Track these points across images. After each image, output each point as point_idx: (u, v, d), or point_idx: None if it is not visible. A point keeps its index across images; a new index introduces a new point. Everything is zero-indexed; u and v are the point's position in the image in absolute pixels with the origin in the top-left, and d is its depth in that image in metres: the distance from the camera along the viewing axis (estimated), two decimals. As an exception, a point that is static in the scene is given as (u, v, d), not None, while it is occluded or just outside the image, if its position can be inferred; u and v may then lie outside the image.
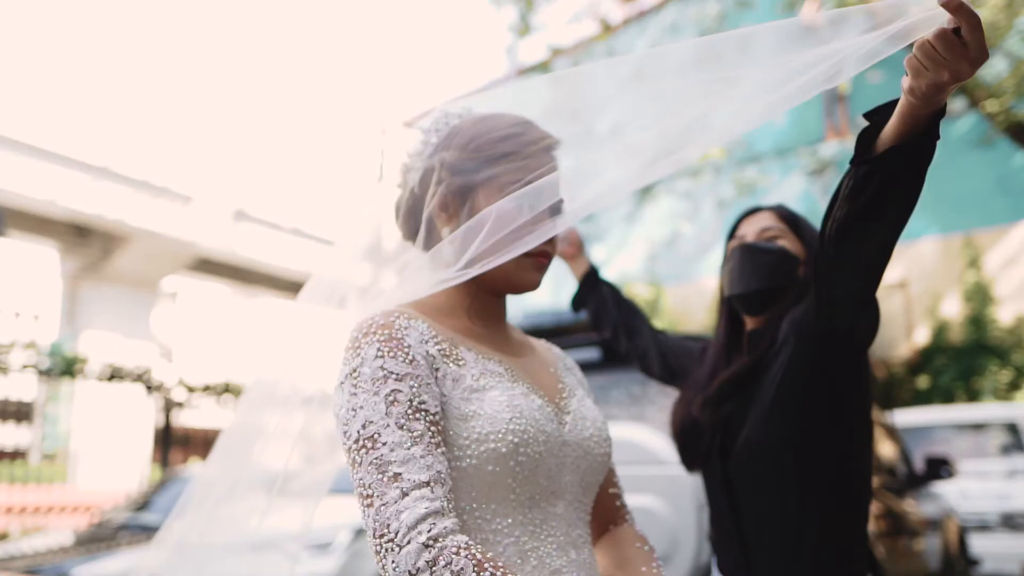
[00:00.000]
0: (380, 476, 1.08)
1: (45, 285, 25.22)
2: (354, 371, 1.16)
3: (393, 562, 1.03)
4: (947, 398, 11.57)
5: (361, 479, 1.10)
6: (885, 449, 5.12)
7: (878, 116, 1.34)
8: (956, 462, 6.10)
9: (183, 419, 12.70)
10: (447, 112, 1.40)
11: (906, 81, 1.20)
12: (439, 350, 1.22)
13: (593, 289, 2.41)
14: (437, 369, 1.20)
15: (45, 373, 11.42)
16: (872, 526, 3.70)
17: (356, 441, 1.12)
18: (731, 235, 2.12)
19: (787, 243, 2.01)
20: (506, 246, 1.26)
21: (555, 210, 1.32)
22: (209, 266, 24.54)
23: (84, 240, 22.96)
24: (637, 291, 13.84)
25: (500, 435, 1.17)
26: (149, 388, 11.62)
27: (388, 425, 1.11)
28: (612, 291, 2.41)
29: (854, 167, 1.40)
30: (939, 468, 5.60)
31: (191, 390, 12.02)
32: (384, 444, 1.10)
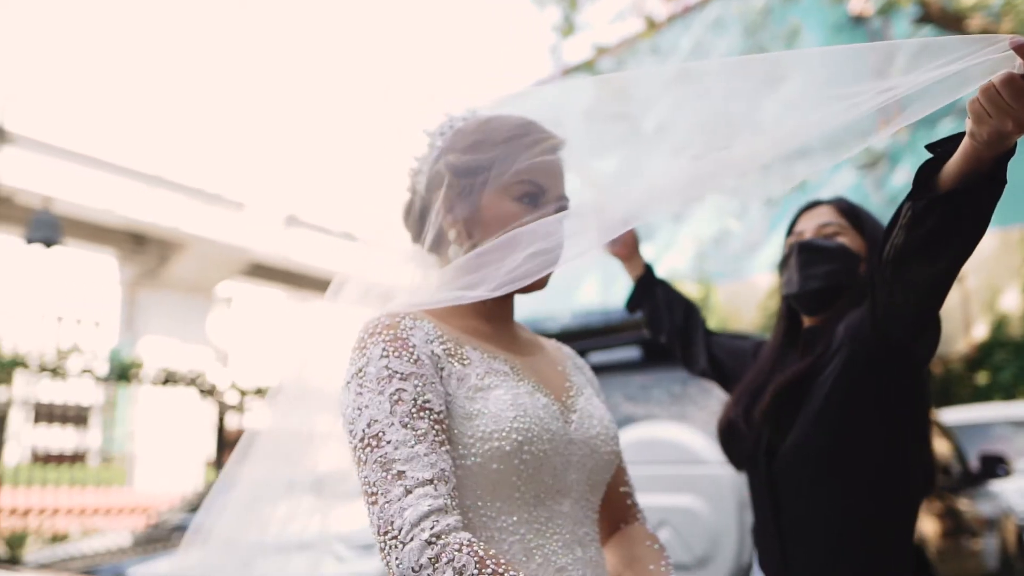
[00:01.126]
0: (384, 474, 1.09)
1: (105, 292, 25.77)
2: (360, 371, 1.18)
3: (397, 559, 1.05)
4: (1008, 394, 11.28)
5: (366, 477, 1.11)
6: (939, 447, 5.03)
7: (941, 148, 1.26)
8: (1014, 460, 5.95)
9: (237, 422, 12.89)
10: (452, 116, 1.41)
11: (969, 123, 1.12)
12: (444, 349, 1.23)
13: (648, 292, 2.35)
14: (442, 368, 1.21)
15: (103, 378, 11.67)
16: (926, 526, 3.64)
17: (361, 440, 1.13)
18: (790, 231, 2.07)
19: (847, 239, 1.95)
20: (540, 259, 1.25)
21: (560, 210, 1.33)
22: (262, 271, 24.85)
23: (141, 247, 23.42)
24: (686, 289, 13.73)
25: (504, 433, 1.17)
26: (202, 392, 11.80)
27: (392, 424, 1.12)
28: (667, 293, 2.34)
29: (912, 201, 1.34)
30: (995, 466, 5.47)
31: (243, 393, 12.18)
32: (388, 443, 1.11)
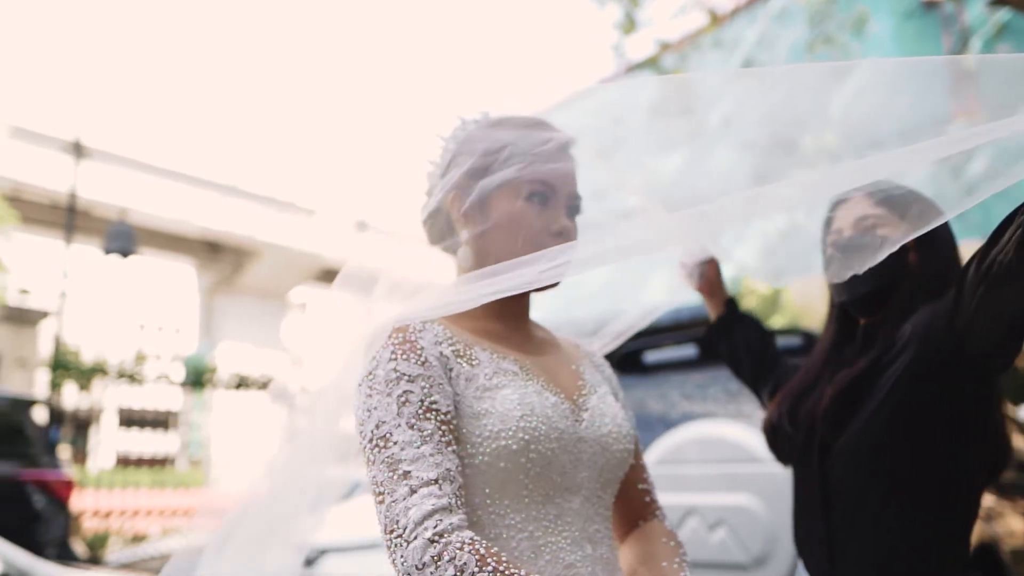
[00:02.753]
0: (391, 474, 1.11)
1: (184, 300, 26.43)
2: (370, 373, 1.21)
3: (402, 557, 1.07)
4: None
5: (374, 477, 1.13)
6: (1016, 443, 4.86)
7: None
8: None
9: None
10: (464, 119, 1.42)
11: None
12: (453, 351, 1.25)
13: (727, 332, 2.25)
14: (451, 369, 1.23)
15: (180, 383, 12.01)
16: (1014, 525, 3.53)
17: (370, 440, 1.16)
18: (827, 228, 1.96)
19: (889, 231, 1.81)
20: (554, 271, 1.25)
21: (571, 209, 1.34)
22: (334, 276, 25.20)
23: (217, 256, 24.01)
24: (755, 287, 13.50)
25: (511, 432, 1.18)
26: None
27: (399, 425, 1.14)
28: (746, 334, 2.23)
29: None
30: None
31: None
32: (395, 443, 1.13)
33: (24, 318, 12.37)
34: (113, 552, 10.10)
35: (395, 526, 1.08)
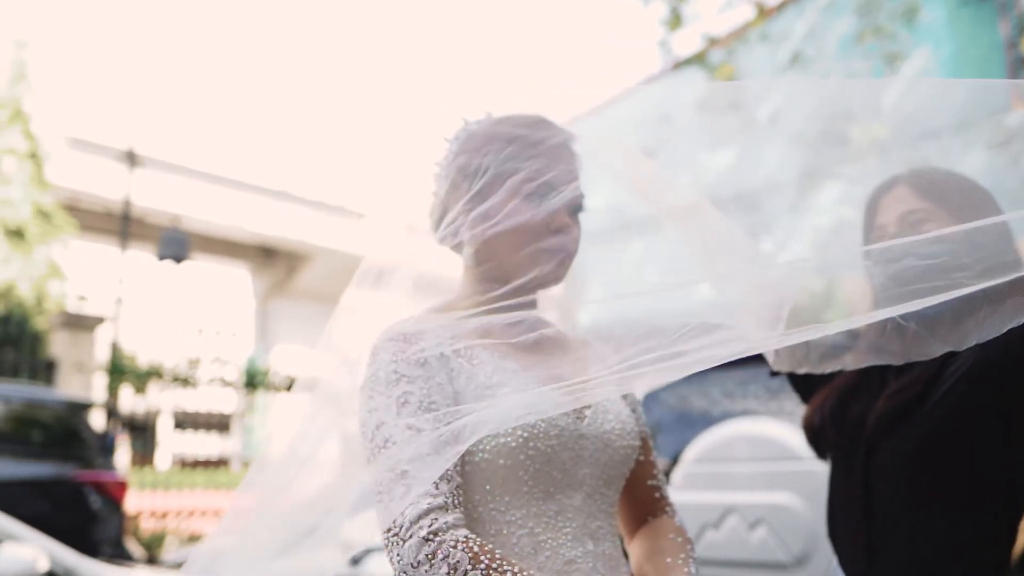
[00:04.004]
0: (389, 473, 1.13)
1: (239, 304, 26.85)
2: (372, 375, 1.24)
3: (398, 555, 1.09)
4: None
5: (375, 476, 1.15)
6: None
7: None
8: None
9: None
10: (467, 119, 1.42)
11: None
12: (454, 350, 1.26)
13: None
14: (452, 368, 1.24)
15: (232, 385, 12.20)
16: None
17: (371, 440, 1.18)
18: (869, 220, 1.85)
19: (937, 224, 1.69)
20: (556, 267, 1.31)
21: (572, 206, 1.34)
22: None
23: (271, 260, 24.37)
24: (807, 283, 13.28)
25: (510, 429, 1.20)
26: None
27: (399, 425, 1.16)
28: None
29: None
30: None
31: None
32: (395, 443, 1.15)
33: (81, 324, 12.66)
34: (169, 552, 10.31)
35: (392, 524, 1.10)
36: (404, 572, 1.09)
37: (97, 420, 12.06)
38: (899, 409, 1.73)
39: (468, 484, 1.21)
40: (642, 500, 1.46)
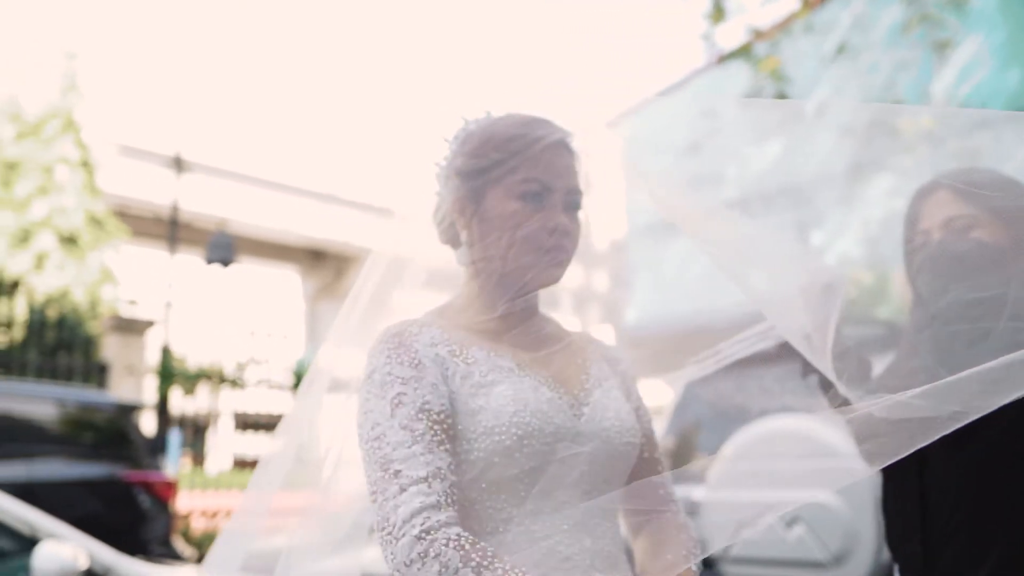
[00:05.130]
0: (383, 473, 1.16)
1: (289, 307, 27.14)
2: (368, 377, 1.26)
3: (392, 553, 1.11)
4: None
5: (370, 476, 1.18)
6: None
7: None
8: None
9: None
10: (466, 119, 1.42)
11: None
12: (449, 351, 1.28)
13: None
14: (447, 369, 1.26)
15: (289, 387, 12.34)
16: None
17: (367, 441, 1.21)
18: (911, 225, 1.76)
19: (984, 232, 1.62)
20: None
21: (570, 205, 1.34)
22: (432, 278, 25.60)
23: (319, 262, 24.63)
24: (859, 277, 13.08)
25: (504, 428, 1.21)
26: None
27: (392, 426, 1.18)
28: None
29: None
30: None
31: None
32: (388, 443, 1.17)
33: (132, 327, 12.90)
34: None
35: (386, 523, 1.12)
36: (397, 571, 1.10)
37: (148, 422, 12.29)
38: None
39: (465, 483, 1.22)
40: (648, 497, 1.45)
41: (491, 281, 1.35)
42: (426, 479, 1.14)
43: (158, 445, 11.50)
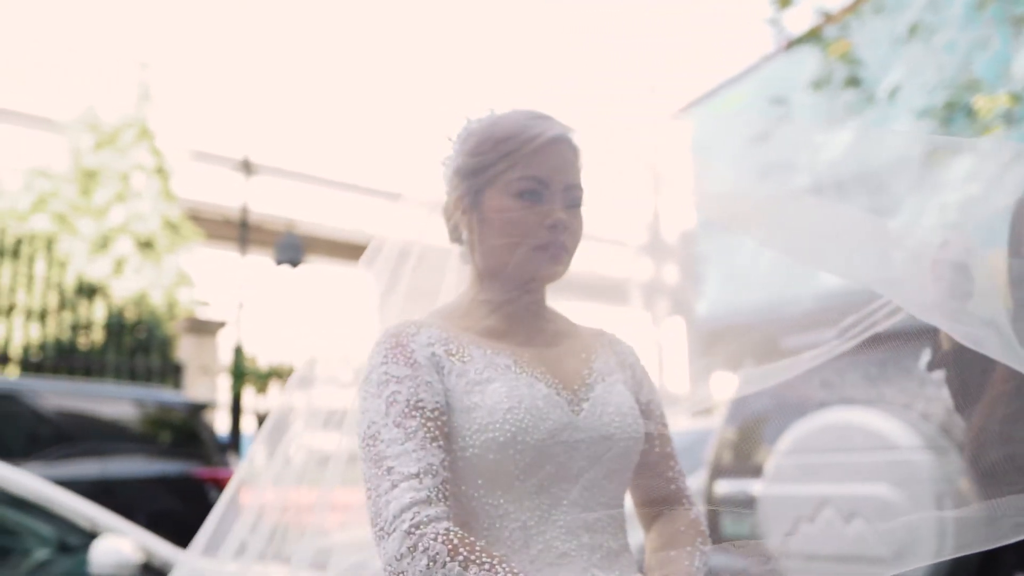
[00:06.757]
0: (377, 470, 1.18)
1: (359, 304, 27.43)
2: (366, 377, 1.29)
3: (384, 549, 1.13)
4: None
5: (365, 473, 1.21)
6: None
7: None
8: None
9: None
10: (469, 118, 1.42)
11: None
12: (445, 350, 1.30)
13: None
14: (442, 367, 1.28)
15: (349, 385, 12.47)
16: None
17: (363, 439, 1.24)
18: (1018, 231, 1.69)
19: None
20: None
21: (570, 200, 1.34)
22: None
23: (387, 261, 24.84)
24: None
25: (498, 425, 1.23)
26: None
27: (387, 424, 1.21)
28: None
29: None
30: None
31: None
32: (382, 441, 1.20)
33: (205, 328, 13.20)
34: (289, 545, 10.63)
35: (378, 518, 1.15)
36: (389, 565, 1.12)
37: (221, 420, 12.56)
38: None
39: (461, 479, 1.24)
40: (659, 493, 1.46)
41: (492, 279, 1.37)
42: (417, 475, 1.16)
43: (232, 443, 11.75)
